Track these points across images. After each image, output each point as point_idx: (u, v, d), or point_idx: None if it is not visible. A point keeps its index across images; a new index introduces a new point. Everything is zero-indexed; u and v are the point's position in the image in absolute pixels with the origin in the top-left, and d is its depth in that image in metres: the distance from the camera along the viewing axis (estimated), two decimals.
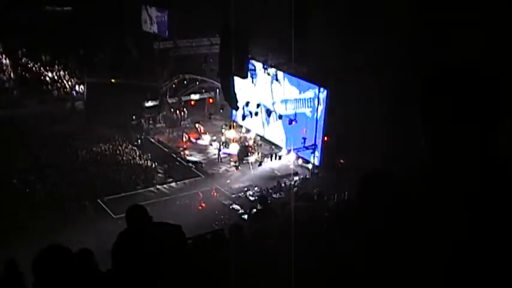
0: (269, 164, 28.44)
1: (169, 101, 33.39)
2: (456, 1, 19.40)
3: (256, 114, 29.25)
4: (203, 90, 33.84)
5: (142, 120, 32.94)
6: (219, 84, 28.68)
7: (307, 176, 27.12)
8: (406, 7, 21.31)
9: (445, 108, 1.93)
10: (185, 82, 33.53)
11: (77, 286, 3.50)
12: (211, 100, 33.86)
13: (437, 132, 1.99)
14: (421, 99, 1.99)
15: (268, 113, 29.50)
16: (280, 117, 29.09)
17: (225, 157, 29.42)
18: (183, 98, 33.49)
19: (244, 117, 29.42)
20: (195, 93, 33.72)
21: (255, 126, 31.07)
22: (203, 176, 27.26)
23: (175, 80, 33.25)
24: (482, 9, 17.91)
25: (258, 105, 29.69)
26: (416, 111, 2.01)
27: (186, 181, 26.57)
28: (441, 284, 2.03)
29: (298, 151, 28.66)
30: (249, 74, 27.41)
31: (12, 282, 6.13)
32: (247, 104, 30.22)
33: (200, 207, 24.11)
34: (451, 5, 19.45)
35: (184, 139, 31.32)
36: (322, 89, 26.76)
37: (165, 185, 26.32)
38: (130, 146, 30.43)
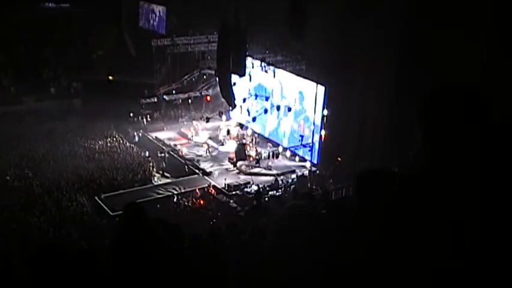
0: (267, 162, 28.45)
1: (167, 98, 33.37)
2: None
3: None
4: (200, 87, 33.84)
5: (140, 117, 32.91)
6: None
7: (305, 174, 27.10)
8: (406, 7, 21.35)
9: (443, 122, 2.08)
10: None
11: (74, 284, 3.50)
12: (208, 98, 33.84)
13: (434, 140, 2.12)
14: (421, 114, 2.16)
15: (265, 110, 29.55)
16: (278, 108, 29.15)
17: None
18: (181, 96, 33.46)
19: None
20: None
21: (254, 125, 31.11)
22: (200, 174, 27.24)
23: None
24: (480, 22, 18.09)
25: (256, 97, 29.87)
26: (417, 124, 2.17)
27: (183, 178, 26.53)
28: (440, 280, 2.05)
29: (295, 149, 28.70)
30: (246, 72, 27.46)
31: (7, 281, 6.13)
32: (244, 100, 30.23)
33: (197, 205, 24.10)
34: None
35: (190, 134, 31.31)
36: (320, 86, 26.75)
37: (162, 183, 26.30)
38: (127, 143, 30.40)
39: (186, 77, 33.21)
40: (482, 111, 2.10)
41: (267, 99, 29.68)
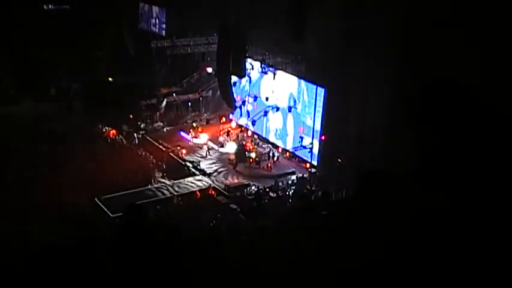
0: (267, 163, 28.45)
1: (167, 99, 33.38)
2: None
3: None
4: (200, 89, 33.84)
5: (140, 119, 32.88)
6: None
7: (305, 175, 27.10)
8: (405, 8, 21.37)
9: (431, 120, 2.15)
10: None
11: (74, 284, 3.51)
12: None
13: (424, 139, 2.20)
14: (409, 113, 2.24)
15: (265, 113, 29.48)
16: (277, 109, 29.11)
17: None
18: (181, 97, 33.46)
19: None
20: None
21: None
22: (200, 175, 27.23)
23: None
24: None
25: (255, 98, 29.84)
26: (407, 123, 2.25)
27: (183, 180, 26.52)
28: (439, 275, 2.08)
29: (295, 150, 28.70)
30: (246, 73, 27.48)
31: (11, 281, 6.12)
32: (243, 103, 30.16)
33: (197, 206, 24.09)
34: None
35: (190, 135, 31.28)
36: (320, 88, 26.76)
37: (162, 184, 26.28)
38: (127, 144, 30.38)
39: (185, 80, 33.23)
40: (469, 105, 2.16)
41: (266, 99, 29.68)
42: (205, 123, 31.20)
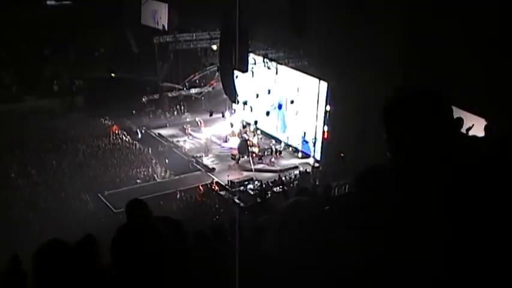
0: (269, 158, 28.45)
1: (169, 95, 33.38)
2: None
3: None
4: (202, 84, 33.81)
5: (143, 114, 32.90)
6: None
7: (308, 170, 27.09)
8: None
9: (399, 127, 2.19)
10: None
11: (76, 280, 3.51)
12: (214, 83, 33.65)
13: (394, 142, 2.25)
14: (384, 120, 2.30)
15: (267, 113, 29.32)
16: (280, 106, 29.03)
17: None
18: (184, 92, 33.44)
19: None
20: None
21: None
22: (203, 170, 27.25)
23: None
24: None
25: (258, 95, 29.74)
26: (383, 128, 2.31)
27: (187, 175, 26.55)
28: (439, 275, 2.06)
29: (298, 145, 28.69)
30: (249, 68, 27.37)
31: (15, 278, 6.14)
32: (245, 103, 29.94)
33: (200, 201, 24.12)
34: None
35: (186, 131, 31.28)
36: (322, 82, 26.72)
37: (165, 179, 26.31)
38: (130, 140, 30.42)
39: (188, 79, 33.21)
40: (435, 115, 2.20)
41: (269, 92, 29.58)
42: (209, 115, 31.11)
